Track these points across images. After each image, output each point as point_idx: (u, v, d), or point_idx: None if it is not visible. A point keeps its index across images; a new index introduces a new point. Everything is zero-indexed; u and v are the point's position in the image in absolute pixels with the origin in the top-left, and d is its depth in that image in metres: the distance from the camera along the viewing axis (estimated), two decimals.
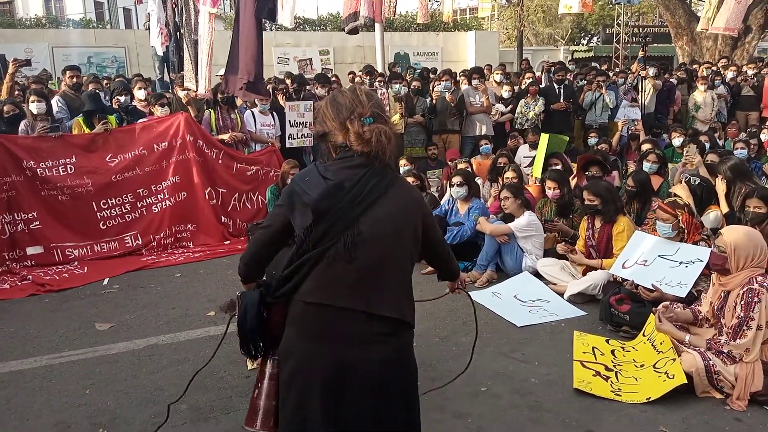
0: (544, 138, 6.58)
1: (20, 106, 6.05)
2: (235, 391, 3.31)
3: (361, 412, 1.83)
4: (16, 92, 6.86)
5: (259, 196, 6.73)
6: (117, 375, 3.54)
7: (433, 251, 2.20)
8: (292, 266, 1.83)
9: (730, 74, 10.55)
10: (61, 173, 5.74)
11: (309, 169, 1.96)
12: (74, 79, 6.92)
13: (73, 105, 6.52)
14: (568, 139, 7.46)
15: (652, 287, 3.88)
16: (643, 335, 3.68)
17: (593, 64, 15.33)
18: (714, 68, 11.20)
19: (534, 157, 7.12)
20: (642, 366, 3.42)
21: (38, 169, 5.63)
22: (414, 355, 2.00)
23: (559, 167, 6.09)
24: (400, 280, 1.91)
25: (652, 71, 9.47)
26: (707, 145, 6.96)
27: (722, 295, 3.27)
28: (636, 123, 8.61)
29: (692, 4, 18.25)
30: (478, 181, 6.48)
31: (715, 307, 3.33)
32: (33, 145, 5.68)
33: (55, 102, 6.53)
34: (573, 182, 5.88)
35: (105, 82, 9.17)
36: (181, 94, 7.39)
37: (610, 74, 10.41)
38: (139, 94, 7.02)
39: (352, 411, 1.83)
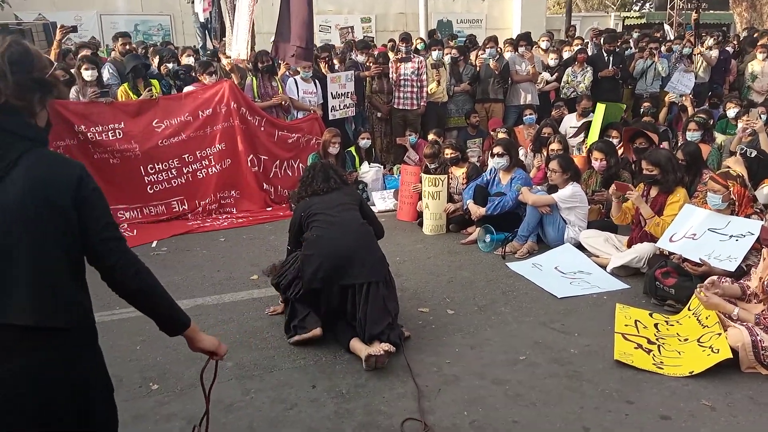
0: (600, 108, 6.36)
1: (70, 71, 6.22)
2: (278, 351, 3.42)
3: None
4: (68, 58, 7.05)
5: (300, 164, 6.80)
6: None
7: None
8: None
9: None
10: (111, 138, 5.93)
11: None
12: (126, 46, 7.07)
13: (123, 71, 6.68)
14: (624, 107, 7.19)
15: (700, 261, 3.78)
16: (688, 309, 3.60)
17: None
18: None
19: (579, 127, 6.95)
20: (686, 340, 3.36)
21: (89, 133, 5.82)
22: (92, 368, 1.68)
23: (616, 140, 5.88)
24: (43, 275, 1.53)
25: (709, 42, 9.01)
26: (764, 117, 6.64)
27: None
28: (684, 97, 8.24)
29: None
30: (521, 150, 6.37)
31: (765, 283, 3.23)
32: (84, 110, 5.86)
33: (107, 68, 6.70)
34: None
35: (152, 49, 9.31)
36: (225, 61, 7.47)
37: (663, 42, 9.98)
38: (187, 61, 7.13)
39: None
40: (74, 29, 6.57)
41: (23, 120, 1.56)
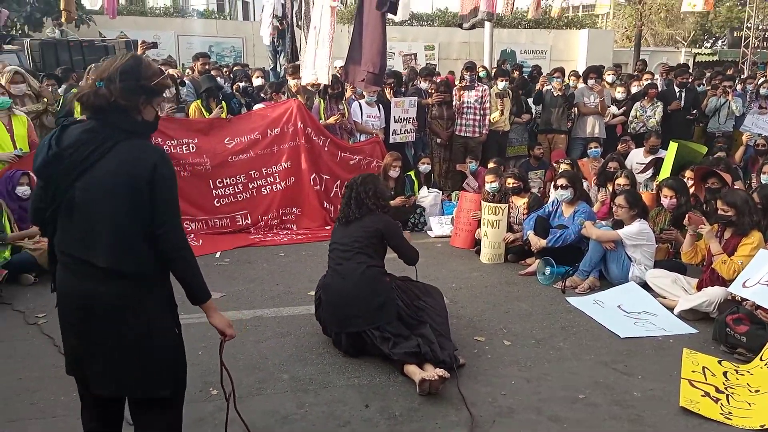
0: (673, 146, 6.20)
1: None
2: (333, 368, 3.45)
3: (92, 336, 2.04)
4: None
5: None
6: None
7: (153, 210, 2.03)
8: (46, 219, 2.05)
9: None
10: (184, 151, 6.20)
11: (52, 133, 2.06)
12: (206, 66, 7.46)
13: (200, 89, 7.02)
14: (705, 150, 6.95)
15: None
16: (761, 359, 3.42)
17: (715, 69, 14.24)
18: None
19: (648, 163, 6.78)
20: (757, 391, 3.19)
21: (165, 146, 6.09)
22: (150, 309, 2.05)
23: (690, 181, 5.71)
24: (117, 236, 1.97)
25: None
26: None
27: None
28: (761, 137, 7.90)
29: None
30: (584, 183, 6.26)
31: None
32: (162, 124, 6.11)
33: (186, 86, 7.06)
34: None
35: (225, 69, 9.75)
36: (292, 83, 7.73)
37: (737, 80, 9.65)
38: (257, 81, 7.42)
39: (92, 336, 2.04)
40: (155, 45, 6.93)
41: (128, 116, 2.00)
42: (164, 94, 6.05)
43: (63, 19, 9.77)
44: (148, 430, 2.17)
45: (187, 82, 7.28)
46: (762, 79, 9.47)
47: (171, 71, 7.29)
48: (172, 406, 2.20)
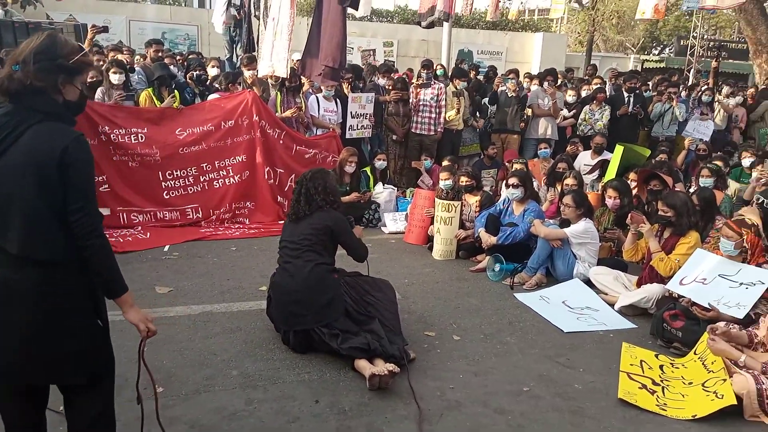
0: (619, 149, 6.42)
1: (102, 72, 6.35)
2: (283, 363, 3.44)
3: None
4: (96, 58, 7.20)
5: None
6: (173, 337, 3.72)
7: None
8: None
9: None
10: (133, 141, 6.03)
11: None
12: (159, 53, 7.24)
13: (152, 77, 6.82)
14: (649, 153, 7.22)
15: (708, 306, 3.79)
16: (695, 353, 3.60)
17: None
18: None
19: (594, 165, 7.01)
20: (690, 383, 3.35)
21: (112, 135, 5.92)
22: (66, 297, 2.00)
23: (633, 182, 5.92)
24: (29, 222, 1.92)
25: (725, 90, 9.11)
26: None
27: None
28: (702, 142, 8.28)
29: None
30: (534, 183, 6.42)
31: None
32: (109, 112, 5.97)
33: (137, 73, 6.84)
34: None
35: (179, 58, 9.51)
36: (247, 74, 7.60)
37: (681, 86, 10.08)
38: (212, 71, 7.27)
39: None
40: (105, 29, 6.68)
41: (47, 98, 1.95)
42: (113, 80, 5.94)
43: None
44: (77, 419, 2.16)
45: (138, 69, 7.07)
46: (705, 87, 9.92)
47: (120, 57, 7.07)
48: (96, 395, 2.16)
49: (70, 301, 2.01)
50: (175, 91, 6.50)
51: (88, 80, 6.09)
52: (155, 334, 2.20)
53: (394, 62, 16.10)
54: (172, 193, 6.23)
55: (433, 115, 7.75)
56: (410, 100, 7.82)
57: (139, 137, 6.05)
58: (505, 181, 5.89)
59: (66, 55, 1.98)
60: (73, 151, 1.92)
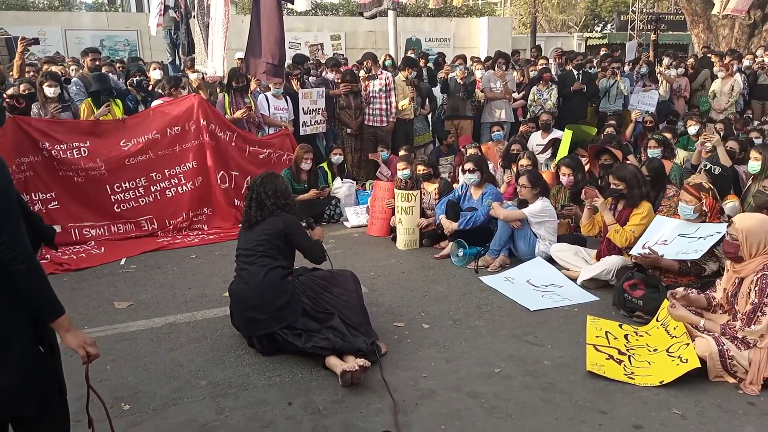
0: (568, 133, 6.53)
1: (35, 85, 6.10)
2: (253, 369, 3.38)
3: None
4: (30, 72, 6.89)
5: None
6: (137, 352, 3.62)
7: None
8: None
9: (746, 62, 10.44)
10: (75, 156, 5.81)
11: None
12: (96, 62, 6.98)
13: (91, 87, 6.57)
14: (596, 131, 7.37)
15: (650, 251, 3.94)
16: (657, 320, 3.70)
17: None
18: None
19: (546, 144, 7.12)
20: (655, 350, 3.44)
21: (53, 151, 5.70)
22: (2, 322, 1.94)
23: (584, 158, 6.03)
24: None
25: (666, 61, 9.39)
26: (721, 134, 6.91)
27: (736, 281, 3.28)
28: (648, 114, 8.52)
29: None
30: (490, 166, 6.48)
31: (729, 294, 3.34)
32: (47, 127, 5.74)
33: (74, 84, 6.58)
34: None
35: (118, 65, 9.20)
36: (192, 77, 7.41)
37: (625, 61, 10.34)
38: (155, 74, 7.06)
39: None
40: (36, 41, 6.43)
41: None
42: (48, 94, 5.70)
43: None
44: None
45: (75, 79, 6.79)
46: (641, 59, 10.20)
47: (54, 68, 6.79)
48: (49, 424, 2.07)
49: (8, 326, 1.92)
50: (111, 100, 6.26)
51: (21, 92, 5.84)
52: (97, 357, 2.08)
53: (343, 55, 15.99)
54: (123, 206, 6.03)
55: (384, 106, 7.73)
56: (362, 93, 7.77)
57: (82, 151, 5.83)
58: (461, 167, 5.93)
59: None
60: None
